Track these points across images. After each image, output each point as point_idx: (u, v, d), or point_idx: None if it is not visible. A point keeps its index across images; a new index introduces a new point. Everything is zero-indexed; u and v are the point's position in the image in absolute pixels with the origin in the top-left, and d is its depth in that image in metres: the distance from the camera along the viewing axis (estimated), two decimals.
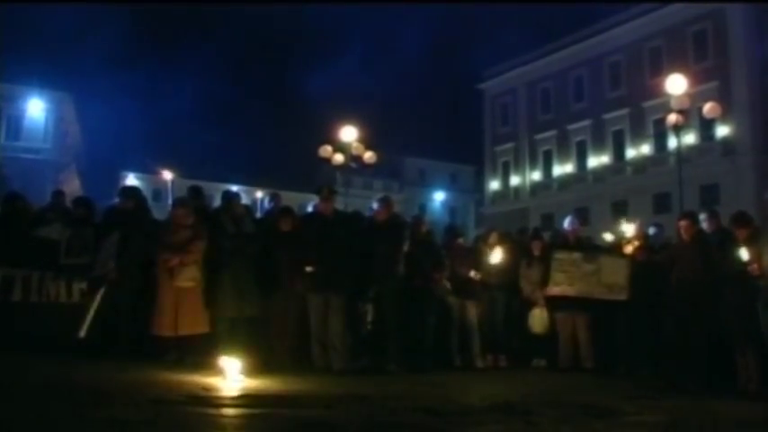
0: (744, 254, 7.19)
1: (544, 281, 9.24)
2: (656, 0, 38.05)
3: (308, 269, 7.79)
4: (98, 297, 7.43)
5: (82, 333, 7.24)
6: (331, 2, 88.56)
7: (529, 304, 9.34)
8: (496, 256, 9.16)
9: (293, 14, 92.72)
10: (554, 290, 9.14)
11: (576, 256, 9.20)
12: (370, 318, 8.32)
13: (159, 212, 9.35)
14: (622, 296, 8.78)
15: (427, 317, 8.53)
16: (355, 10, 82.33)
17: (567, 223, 10.10)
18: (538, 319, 9.20)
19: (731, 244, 7.50)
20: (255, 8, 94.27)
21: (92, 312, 7.33)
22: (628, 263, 8.84)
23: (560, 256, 9.25)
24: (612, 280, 8.90)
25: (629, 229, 8.79)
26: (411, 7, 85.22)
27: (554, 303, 9.20)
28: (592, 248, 9.87)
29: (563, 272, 9.13)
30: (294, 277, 7.82)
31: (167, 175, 20.83)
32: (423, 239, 8.94)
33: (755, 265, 7.16)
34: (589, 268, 9.07)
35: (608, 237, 10.11)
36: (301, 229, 8.26)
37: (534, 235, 10.16)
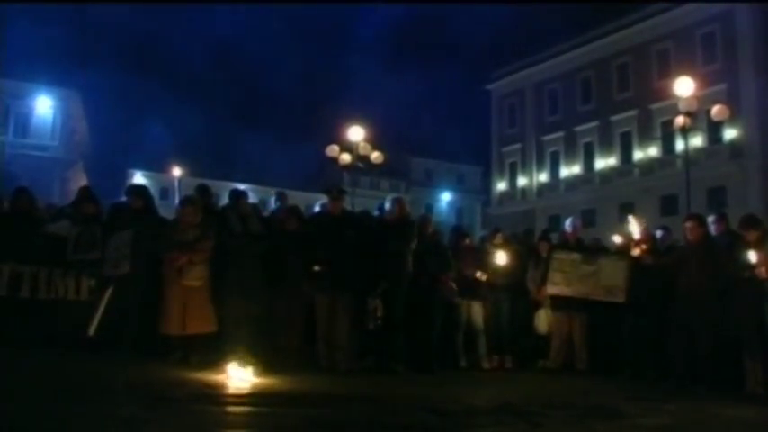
0: (752, 256, 7.18)
1: (545, 281, 9.24)
2: (665, 0, 37.96)
3: (316, 268, 7.80)
4: (107, 295, 7.44)
5: (91, 331, 7.26)
6: (338, 1, 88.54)
7: (535, 305, 9.34)
8: (501, 256, 9.16)
9: (300, 12, 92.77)
10: (551, 289, 9.14)
11: (575, 256, 9.21)
12: (379, 313, 8.32)
13: (166, 211, 9.36)
14: (620, 298, 8.76)
15: (433, 317, 8.53)
16: (359, 9, 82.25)
17: (567, 224, 10.09)
18: (543, 319, 9.20)
19: (739, 247, 7.48)
20: (262, 5, 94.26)
21: (101, 310, 7.35)
22: (627, 265, 8.82)
23: (559, 256, 9.26)
24: (611, 282, 8.89)
25: (635, 229, 8.75)
26: (418, 7, 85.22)
27: (553, 303, 9.20)
28: (592, 250, 9.84)
29: (561, 272, 9.13)
30: (301, 277, 7.83)
31: (176, 171, 20.89)
32: (429, 240, 8.94)
33: (763, 268, 7.14)
34: (588, 269, 9.06)
35: (617, 239, 10.07)
36: (308, 228, 8.29)
37: (543, 236, 10.15)
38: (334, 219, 8.17)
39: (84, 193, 9.51)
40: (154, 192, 10.35)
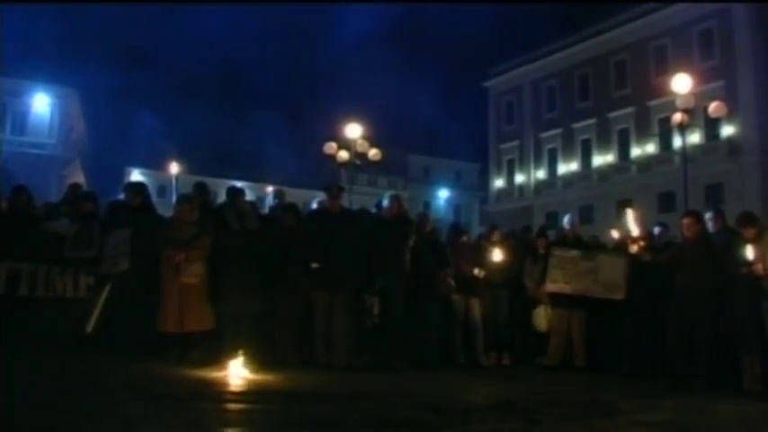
0: (749, 253, 7.18)
1: (543, 278, 9.23)
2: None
3: (314, 265, 7.80)
4: (105, 292, 7.44)
5: (89, 328, 7.25)
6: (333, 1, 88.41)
7: (533, 302, 9.34)
8: (498, 253, 9.17)
9: (297, 10, 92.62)
10: (551, 287, 9.12)
11: (574, 253, 9.18)
12: (376, 311, 8.33)
13: (164, 209, 9.37)
14: (619, 295, 8.75)
15: (432, 314, 8.54)
16: (358, 8, 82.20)
17: (565, 221, 10.08)
18: (543, 317, 9.19)
19: (736, 243, 7.48)
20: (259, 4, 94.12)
21: (99, 307, 7.34)
22: (626, 262, 8.81)
23: (558, 253, 9.23)
24: (610, 279, 8.87)
25: (632, 225, 8.74)
26: (418, 5, 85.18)
27: (553, 300, 9.20)
28: (591, 247, 9.83)
29: (560, 269, 9.10)
30: (299, 274, 7.83)
31: (173, 169, 20.81)
32: (428, 237, 8.96)
33: (760, 265, 7.15)
34: (587, 266, 9.04)
35: (614, 234, 10.07)
36: (304, 225, 8.30)
37: (540, 233, 10.15)
38: (333, 216, 8.17)
39: (75, 190, 9.51)
40: (152, 189, 10.35)
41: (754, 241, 7.33)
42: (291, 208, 8.65)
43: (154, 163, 45.80)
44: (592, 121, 42.08)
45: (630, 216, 8.86)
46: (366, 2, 75.43)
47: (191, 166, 34.94)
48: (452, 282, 8.83)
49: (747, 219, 7.71)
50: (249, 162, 56.29)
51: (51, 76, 41.50)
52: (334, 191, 8.31)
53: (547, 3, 67.45)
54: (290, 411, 4.97)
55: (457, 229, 10.21)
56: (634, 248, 8.54)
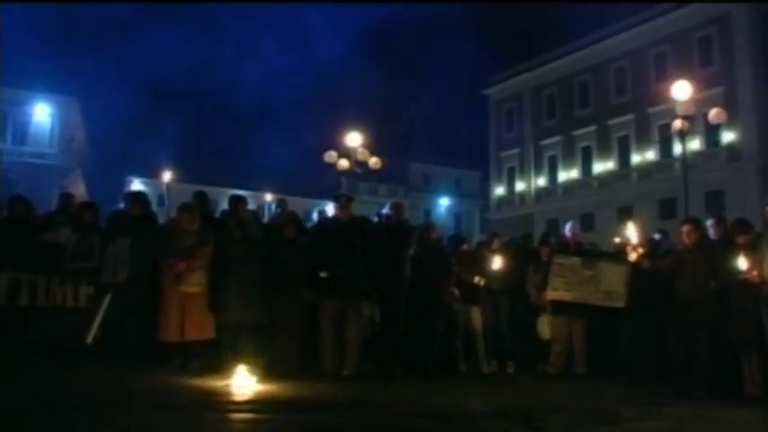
0: (741, 262, 7.17)
1: (545, 286, 9.22)
2: (662, 0, 38.10)
3: (323, 275, 7.77)
4: (105, 302, 7.44)
5: (89, 338, 7.25)
6: (333, 2, 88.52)
7: (536, 310, 9.33)
8: (497, 261, 9.16)
9: (297, 14, 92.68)
10: (552, 294, 9.08)
11: (575, 261, 9.14)
12: (376, 319, 8.32)
13: (164, 217, 9.37)
14: (620, 303, 8.72)
15: (433, 323, 8.53)
16: (357, 10, 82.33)
17: (567, 229, 10.07)
18: (547, 325, 9.18)
19: (732, 250, 7.49)
20: (259, 6, 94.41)
21: (99, 317, 7.35)
22: (627, 270, 8.78)
23: (559, 260, 9.19)
24: (611, 287, 8.84)
25: (633, 235, 8.73)
26: (418, 9, 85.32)
27: (554, 307, 9.18)
28: (593, 254, 9.81)
29: (561, 277, 9.07)
30: (300, 283, 7.81)
31: (166, 177, 20.86)
32: (432, 246, 8.95)
33: (756, 272, 7.14)
34: (587, 274, 9.01)
35: (616, 240, 10.06)
36: (314, 234, 8.30)
37: (543, 240, 10.14)
38: (343, 225, 8.12)
39: (68, 199, 9.52)
40: (152, 198, 10.36)
41: (747, 248, 7.34)
42: (293, 218, 8.64)
43: (155, 172, 45.85)
44: (592, 128, 42.14)
45: (631, 228, 8.85)
46: (365, 3, 75.66)
47: (191, 174, 35.02)
48: (457, 291, 8.82)
49: (740, 226, 7.74)
50: (249, 171, 56.29)
51: (52, 85, 41.56)
52: (343, 201, 8.29)
53: (546, 5, 67.52)
54: (292, 420, 4.98)
55: (457, 237, 10.21)
56: (633, 256, 8.53)
